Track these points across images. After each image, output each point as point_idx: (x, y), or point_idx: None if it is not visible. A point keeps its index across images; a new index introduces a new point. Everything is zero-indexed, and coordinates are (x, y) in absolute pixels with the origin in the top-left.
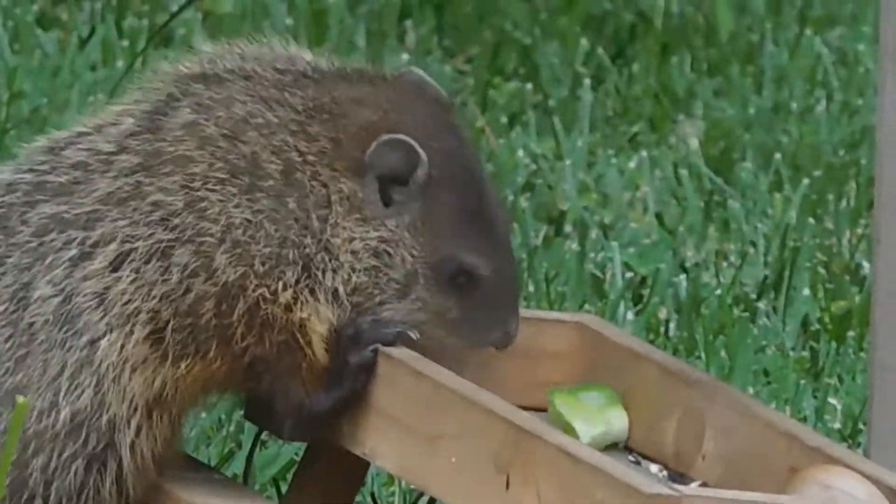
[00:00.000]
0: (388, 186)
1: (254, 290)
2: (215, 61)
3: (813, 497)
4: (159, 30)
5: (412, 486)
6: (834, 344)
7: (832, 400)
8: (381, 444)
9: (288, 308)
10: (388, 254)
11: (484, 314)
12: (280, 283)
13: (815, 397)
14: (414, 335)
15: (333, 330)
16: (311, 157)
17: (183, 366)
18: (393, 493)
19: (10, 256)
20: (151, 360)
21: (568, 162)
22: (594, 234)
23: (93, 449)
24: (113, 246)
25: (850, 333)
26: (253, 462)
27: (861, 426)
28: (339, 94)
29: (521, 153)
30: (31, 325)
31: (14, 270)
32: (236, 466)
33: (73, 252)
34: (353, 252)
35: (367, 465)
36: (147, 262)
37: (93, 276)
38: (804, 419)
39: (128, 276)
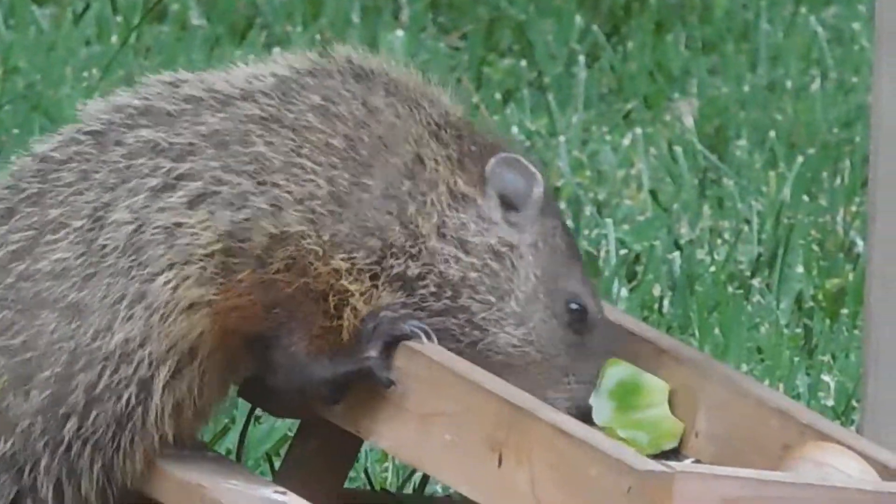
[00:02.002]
0: (507, 209)
1: (307, 244)
2: (362, 60)
3: (806, 473)
4: (154, 6)
5: (405, 464)
6: (828, 321)
7: (826, 377)
8: (375, 421)
9: (336, 272)
10: (512, 262)
11: (583, 371)
12: (341, 255)
13: (808, 375)
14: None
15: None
16: (438, 158)
17: (216, 290)
18: (387, 470)
19: (97, 172)
20: (197, 303)
21: (562, 139)
22: (588, 210)
23: (139, 378)
24: (198, 184)
25: (844, 311)
26: (246, 438)
27: (854, 403)
28: (464, 121)
29: (515, 130)
30: (104, 247)
31: (98, 188)
32: (230, 442)
33: (157, 181)
34: (463, 245)
35: (360, 441)
36: (225, 209)
37: (168, 209)
38: (798, 396)
39: (201, 216)
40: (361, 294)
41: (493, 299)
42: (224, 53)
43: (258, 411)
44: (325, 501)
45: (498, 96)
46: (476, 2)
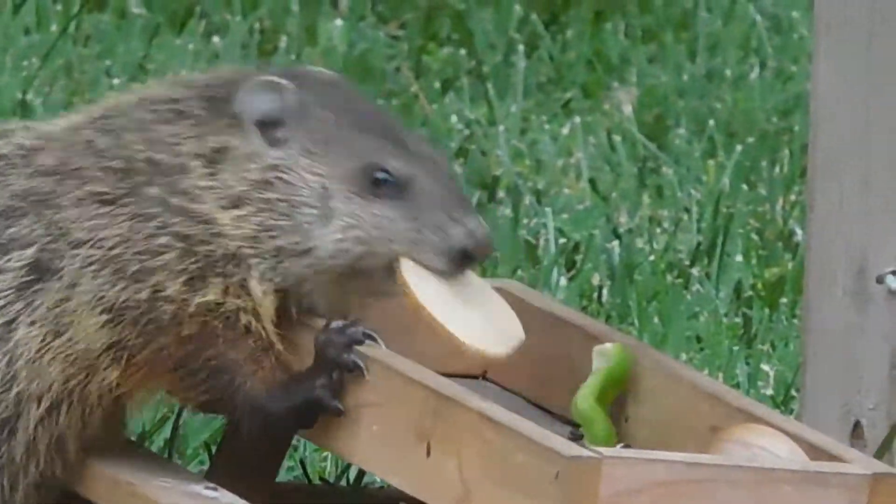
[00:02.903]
0: (269, 130)
1: (138, 295)
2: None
3: (734, 455)
4: None
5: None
6: (767, 310)
7: (765, 366)
8: None
9: (183, 301)
10: (283, 180)
11: (433, 216)
12: (160, 277)
13: (748, 364)
14: (379, 341)
15: (276, 295)
16: (176, 140)
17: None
18: (325, 459)
19: None
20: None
21: (501, 128)
22: (527, 199)
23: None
24: (29, 251)
25: (783, 300)
26: (180, 427)
27: (794, 393)
28: (201, 81)
29: (454, 119)
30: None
31: None
32: (167, 432)
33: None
34: (239, 199)
35: (290, 435)
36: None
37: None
38: (737, 386)
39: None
40: (220, 296)
41: (291, 223)
42: (163, 42)
43: None
44: (258, 496)
45: (437, 85)
46: None
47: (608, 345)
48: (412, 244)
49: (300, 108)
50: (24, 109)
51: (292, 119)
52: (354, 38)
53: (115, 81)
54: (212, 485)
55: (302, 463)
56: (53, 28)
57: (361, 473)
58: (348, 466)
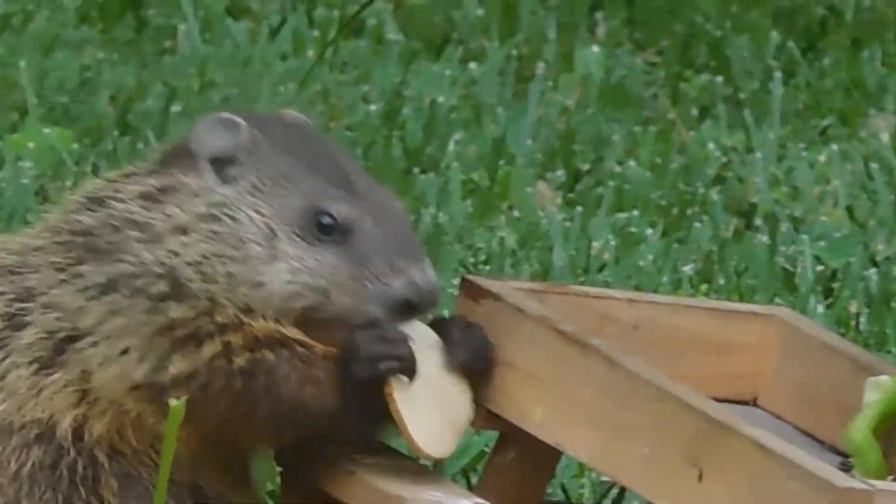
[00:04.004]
0: (222, 167)
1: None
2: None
3: None
4: (350, 20)
5: (602, 478)
6: None
7: None
8: (573, 434)
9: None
10: (229, 216)
11: (375, 265)
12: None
13: None
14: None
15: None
16: (121, 190)
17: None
18: (583, 486)
19: None
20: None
21: (758, 155)
22: (784, 227)
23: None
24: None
25: None
26: None
27: None
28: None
29: (711, 146)
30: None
31: None
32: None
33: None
34: (184, 228)
35: (558, 455)
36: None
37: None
38: None
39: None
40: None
41: (239, 253)
42: (420, 68)
43: None
44: None
45: (694, 112)
46: (672, 18)
47: (884, 377)
48: (354, 295)
49: (253, 147)
50: None
51: (245, 157)
52: (611, 65)
53: (372, 108)
54: (481, 501)
55: (563, 487)
56: (310, 54)
57: (620, 498)
58: (606, 493)
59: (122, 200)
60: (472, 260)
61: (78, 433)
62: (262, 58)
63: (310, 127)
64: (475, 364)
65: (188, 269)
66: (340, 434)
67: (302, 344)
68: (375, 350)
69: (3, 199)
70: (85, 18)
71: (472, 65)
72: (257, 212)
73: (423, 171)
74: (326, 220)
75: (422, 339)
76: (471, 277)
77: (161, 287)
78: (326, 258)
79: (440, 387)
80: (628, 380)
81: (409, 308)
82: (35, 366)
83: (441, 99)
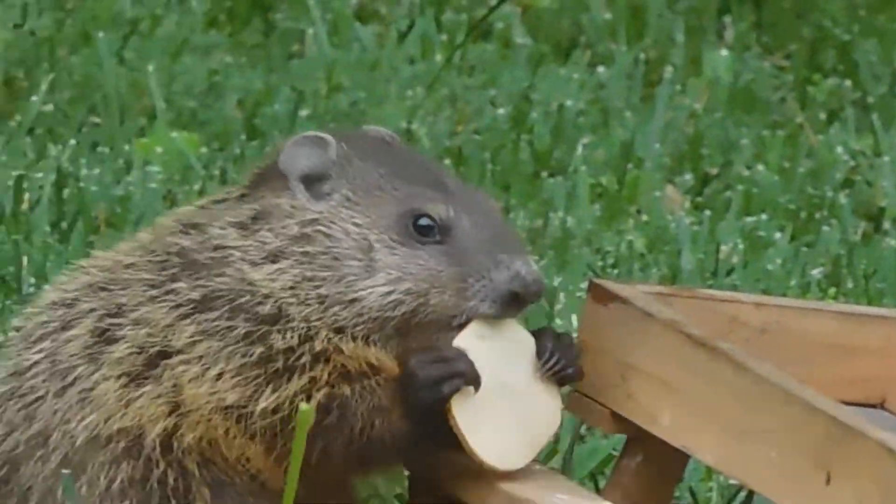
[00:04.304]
0: (314, 184)
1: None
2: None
3: None
4: (478, 23)
5: (730, 482)
6: None
7: None
8: (701, 437)
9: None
10: (324, 233)
11: (478, 261)
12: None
13: None
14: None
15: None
16: (215, 217)
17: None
18: (711, 489)
19: None
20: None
21: (887, 159)
22: None
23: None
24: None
25: None
26: (572, 457)
27: None
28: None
29: (839, 150)
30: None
31: None
32: (555, 461)
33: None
34: (275, 254)
35: (685, 459)
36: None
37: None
38: None
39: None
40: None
41: (334, 273)
42: (548, 72)
43: (583, 430)
44: None
45: (822, 116)
46: (800, 21)
47: None
48: (457, 293)
49: (343, 161)
50: (409, 139)
51: (336, 171)
52: (739, 69)
53: (500, 111)
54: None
55: (691, 491)
56: (438, 58)
57: (748, 501)
58: (735, 494)
59: (218, 227)
60: (600, 263)
61: (166, 444)
62: (389, 62)
63: (395, 139)
64: (565, 374)
65: (284, 293)
66: (416, 455)
67: (370, 371)
68: (434, 374)
69: (132, 203)
70: (213, 23)
71: (600, 68)
72: (354, 223)
73: (552, 175)
74: (425, 221)
75: (518, 344)
76: (599, 281)
77: (266, 308)
78: (428, 260)
79: (522, 396)
80: (756, 383)
81: (515, 300)
82: (125, 379)
83: (569, 103)
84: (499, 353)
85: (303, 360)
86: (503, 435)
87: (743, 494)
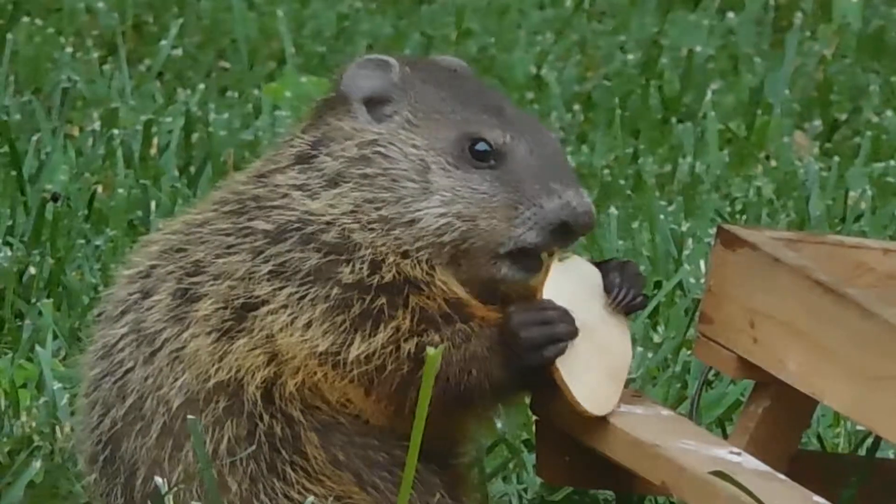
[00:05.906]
0: (376, 107)
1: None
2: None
3: None
4: None
5: (858, 427)
6: None
7: None
8: (828, 383)
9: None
10: (382, 154)
11: (530, 188)
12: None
13: None
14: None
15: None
16: (273, 165)
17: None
18: (838, 435)
19: None
20: None
21: None
22: None
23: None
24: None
25: None
26: (699, 403)
27: None
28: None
29: None
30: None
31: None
32: (682, 407)
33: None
34: (336, 179)
35: (813, 405)
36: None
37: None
38: None
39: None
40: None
41: (392, 195)
42: (677, 18)
43: (710, 375)
44: (779, 463)
45: None
46: None
47: None
48: (505, 219)
49: (405, 84)
50: (538, 84)
51: (398, 94)
52: (869, 15)
53: (629, 57)
54: (736, 449)
55: (819, 437)
56: (568, 4)
57: (875, 447)
58: (862, 440)
59: (282, 171)
60: (728, 209)
61: (267, 396)
62: (519, 7)
63: (463, 68)
64: (633, 304)
65: (345, 218)
66: (507, 401)
67: (462, 313)
68: (538, 338)
69: (261, 148)
70: None
71: (730, 14)
72: (413, 145)
73: (681, 121)
74: (482, 146)
75: (583, 279)
76: (727, 226)
77: (331, 235)
78: (480, 185)
79: (601, 335)
80: (884, 329)
81: (564, 230)
82: (216, 334)
83: (698, 48)
84: (577, 294)
85: (378, 301)
86: (596, 381)
87: (870, 441)
